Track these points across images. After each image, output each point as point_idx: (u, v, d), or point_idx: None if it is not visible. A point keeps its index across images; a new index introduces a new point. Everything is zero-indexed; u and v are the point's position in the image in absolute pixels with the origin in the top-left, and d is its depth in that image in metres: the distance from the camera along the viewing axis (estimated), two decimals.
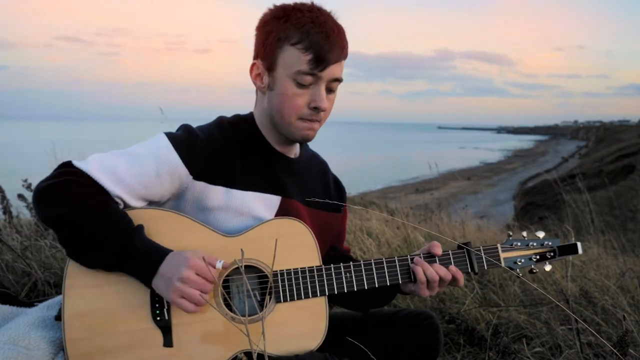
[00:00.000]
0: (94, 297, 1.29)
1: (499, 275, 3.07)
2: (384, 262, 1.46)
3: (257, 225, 1.40)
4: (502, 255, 1.55)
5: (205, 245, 1.34)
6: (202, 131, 1.42)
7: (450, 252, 1.51)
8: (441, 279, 1.44)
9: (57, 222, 1.25)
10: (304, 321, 1.39)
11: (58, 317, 1.35)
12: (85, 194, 1.25)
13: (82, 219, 1.24)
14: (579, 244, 1.58)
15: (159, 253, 1.27)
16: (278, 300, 1.38)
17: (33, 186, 3.18)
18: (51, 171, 1.31)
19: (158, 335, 1.31)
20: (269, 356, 1.33)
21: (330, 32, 1.35)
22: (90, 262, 1.28)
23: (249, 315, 1.35)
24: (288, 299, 1.38)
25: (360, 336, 1.47)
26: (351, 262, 1.45)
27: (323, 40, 1.33)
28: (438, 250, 1.48)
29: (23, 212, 3.42)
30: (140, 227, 1.29)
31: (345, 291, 1.43)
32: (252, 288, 1.40)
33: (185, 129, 1.42)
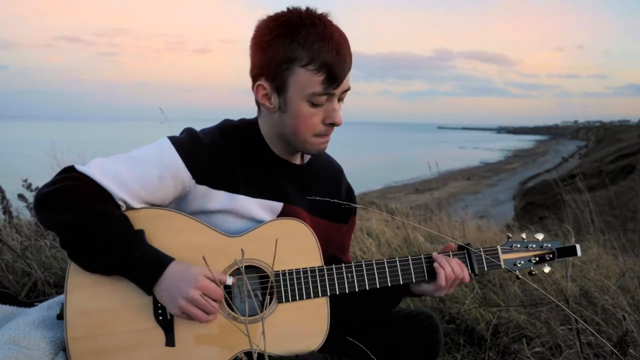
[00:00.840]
0: (96, 296, 1.29)
1: (499, 275, 3.07)
2: (385, 263, 1.46)
3: (259, 226, 1.40)
4: (502, 257, 1.55)
5: (205, 245, 1.34)
6: (205, 135, 1.41)
7: (450, 253, 1.51)
8: (456, 276, 1.46)
9: (61, 228, 1.25)
10: (306, 321, 1.39)
11: (60, 316, 1.35)
12: (88, 200, 1.25)
13: (85, 225, 1.24)
14: (577, 246, 1.58)
15: (160, 262, 1.27)
16: (280, 301, 1.38)
17: (33, 186, 3.18)
18: (52, 173, 1.31)
19: (160, 334, 1.31)
20: (270, 356, 1.33)
21: (339, 46, 1.30)
22: (91, 266, 1.28)
23: (251, 315, 1.35)
24: (290, 299, 1.38)
25: (361, 336, 1.47)
26: (352, 263, 1.45)
27: (334, 57, 1.29)
28: (452, 246, 1.52)
29: (23, 212, 3.42)
30: (141, 233, 1.29)
31: (347, 291, 1.43)
32: (253, 288, 1.40)
33: (189, 132, 1.41)
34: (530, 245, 1.58)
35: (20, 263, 2.58)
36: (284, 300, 1.38)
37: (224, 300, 1.33)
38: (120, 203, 1.30)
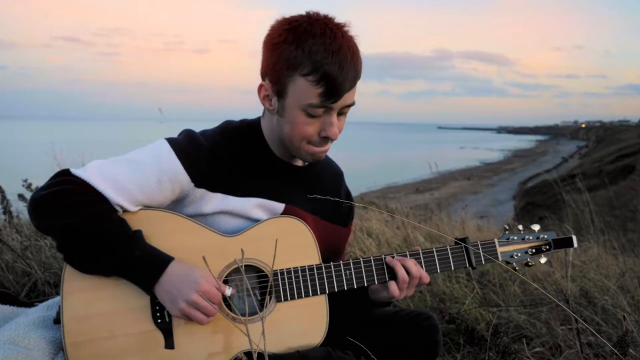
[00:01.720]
0: (93, 300, 1.28)
1: (499, 275, 3.07)
2: (383, 259, 1.46)
3: (256, 225, 1.39)
4: (499, 249, 1.56)
5: (203, 245, 1.34)
6: (205, 137, 1.40)
7: (448, 247, 1.51)
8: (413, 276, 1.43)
9: (56, 232, 1.25)
10: (305, 320, 1.39)
11: (57, 320, 1.34)
12: (84, 204, 1.24)
13: (81, 229, 1.23)
14: (574, 237, 1.59)
15: (160, 262, 1.27)
16: (278, 300, 1.38)
17: (33, 186, 3.18)
18: (52, 173, 1.30)
19: (159, 337, 1.30)
20: (270, 355, 1.33)
21: (344, 60, 1.26)
22: (89, 269, 1.28)
23: (250, 315, 1.34)
24: (288, 298, 1.38)
25: (361, 336, 1.47)
26: (351, 260, 1.45)
27: (336, 72, 1.25)
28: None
29: (23, 212, 3.42)
30: (139, 233, 1.29)
31: (346, 289, 1.43)
32: (252, 288, 1.40)
33: (187, 134, 1.40)
34: (527, 236, 1.59)
35: (20, 263, 2.58)
36: (282, 300, 1.38)
37: (222, 301, 1.33)
38: (117, 208, 1.30)
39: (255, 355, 1.17)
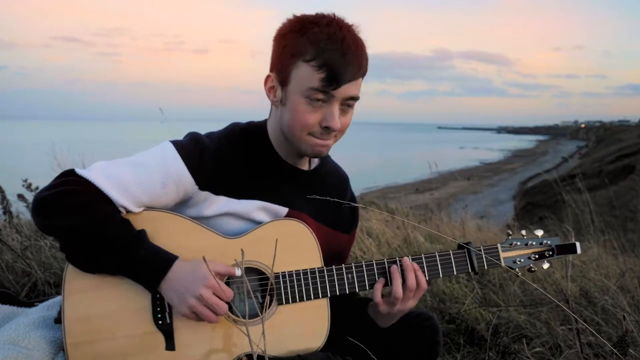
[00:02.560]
0: (95, 301, 1.28)
1: (499, 275, 3.07)
2: (385, 262, 1.46)
3: (258, 227, 1.39)
4: (502, 255, 1.55)
5: (205, 247, 1.34)
6: (211, 140, 1.40)
7: (450, 251, 1.51)
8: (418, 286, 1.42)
9: (60, 232, 1.25)
10: (306, 322, 1.39)
11: (58, 320, 1.34)
12: (89, 205, 1.24)
13: (85, 230, 1.23)
14: (577, 244, 1.58)
15: (165, 260, 1.27)
16: (280, 302, 1.37)
17: (33, 186, 3.18)
18: (52, 173, 1.30)
19: (160, 338, 1.30)
20: (271, 358, 1.32)
21: (347, 49, 1.28)
22: (93, 269, 1.28)
23: (251, 317, 1.34)
24: (290, 301, 1.38)
25: (361, 336, 1.47)
26: (353, 264, 1.44)
27: (338, 58, 1.27)
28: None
29: (23, 212, 3.42)
30: (144, 233, 1.29)
31: (347, 292, 1.42)
32: (253, 290, 1.39)
33: (193, 137, 1.40)
34: (530, 242, 1.58)
35: (20, 263, 2.58)
36: (284, 302, 1.38)
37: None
38: (121, 209, 1.30)
39: (255, 357, 1.17)
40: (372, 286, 1.44)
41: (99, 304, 1.28)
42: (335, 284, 1.41)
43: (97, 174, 1.27)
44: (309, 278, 1.40)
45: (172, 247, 1.31)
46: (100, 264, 1.26)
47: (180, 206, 1.39)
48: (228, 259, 1.35)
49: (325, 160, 1.60)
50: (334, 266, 1.42)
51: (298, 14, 1.36)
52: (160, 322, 1.30)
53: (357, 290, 1.44)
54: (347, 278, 1.42)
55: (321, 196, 1.50)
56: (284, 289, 1.38)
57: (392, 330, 1.52)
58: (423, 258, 1.48)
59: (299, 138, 1.36)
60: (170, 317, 1.31)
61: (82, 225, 1.22)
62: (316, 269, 1.41)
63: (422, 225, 4.70)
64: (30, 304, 1.51)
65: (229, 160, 1.39)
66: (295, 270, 1.39)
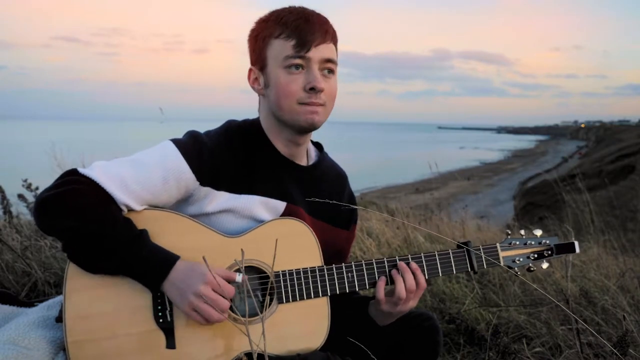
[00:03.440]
0: (96, 300, 1.28)
1: (499, 275, 3.07)
2: (385, 262, 1.46)
3: (258, 226, 1.39)
4: (501, 254, 1.55)
5: (205, 246, 1.34)
6: (209, 137, 1.41)
7: (450, 251, 1.51)
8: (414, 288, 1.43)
9: (62, 233, 1.25)
10: (306, 321, 1.39)
11: (59, 319, 1.35)
12: (91, 205, 1.24)
13: (88, 231, 1.23)
14: (576, 243, 1.59)
15: (167, 260, 1.27)
16: (280, 301, 1.38)
17: (33, 186, 3.18)
18: (52, 173, 1.30)
19: (161, 337, 1.30)
20: (270, 357, 1.32)
21: (310, 16, 1.39)
22: (95, 269, 1.28)
23: (251, 316, 1.34)
24: (290, 300, 1.38)
25: (361, 336, 1.47)
26: (353, 262, 1.45)
27: (303, 24, 1.37)
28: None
29: (23, 212, 3.42)
30: (145, 233, 1.29)
31: (347, 291, 1.43)
32: (253, 289, 1.39)
33: (192, 135, 1.41)
34: (529, 241, 1.59)
35: (20, 263, 2.58)
36: (284, 301, 1.38)
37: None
38: (123, 207, 1.30)
39: (255, 356, 1.17)
40: (372, 285, 1.45)
41: (100, 302, 1.28)
42: (335, 283, 1.41)
43: (99, 172, 1.27)
44: (309, 277, 1.40)
45: (173, 246, 1.31)
46: (102, 264, 1.26)
47: (181, 204, 1.39)
48: (228, 257, 1.35)
49: (324, 157, 1.61)
50: (334, 265, 1.43)
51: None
52: (161, 320, 1.30)
53: (357, 289, 1.44)
54: (347, 277, 1.43)
55: (319, 191, 1.52)
56: (284, 288, 1.38)
57: (393, 331, 1.52)
58: (422, 257, 1.49)
59: (290, 110, 1.39)
60: (171, 316, 1.31)
61: (84, 225, 1.22)
62: (316, 267, 1.41)
63: (422, 226, 4.70)
64: (30, 304, 1.51)
65: (228, 156, 1.40)
66: (296, 269, 1.39)
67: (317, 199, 1.48)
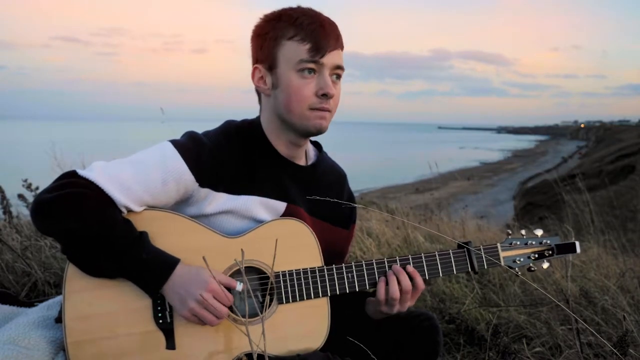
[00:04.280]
0: (95, 300, 1.28)
1: (499, 275, 3.07)
2: (385, 262, 1.46)
3: (258, 226, 1.39)
4: (502, 254, 1.55)
5: (205, 246, 1.34)
6: (208, 138, 1.41)
7: (450, 251, 1.51)
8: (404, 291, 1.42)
9: (62, 235, 1.24)
10: (306, 322, 1.39)
11: (58, 319, 1.35)
12: (91, 207, 1.23)
13: (87, 233, 1.22)
14: (577, 243, 1.59)
15: (168, 264, 1.27)
16: (280, 302, 1.38)
17: (33, 186, 3.18)
18: (52, 173, 1.30)
19: (160, 337, 1.30)
20: (271, 358, 1.32)
21: (324, 21, 1.38)
22: (96, 271, 1.27)
23: (251, 317, 1.34)
24: (290, 300, 1.38)
25: (361, 336, 1.47)
26: (353, 263, 1.44)
27: (318, 29, 1.36)
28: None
29: (23, 212, 3.42)
30: (145, 235, 1.29)
31: (347, 291, 1.43)
32: (253, 289, 1.39)
33: (190, 136, 1.41)
34: (529, 241, 1.58)
35: (20, 263, 2.58)
36: (284, 301, 1.38)
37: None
38: (123, 209, 1.29)
39: (255, 357, 1.17)
40: (372, 285, 1.45)
41: (100, 302, 1.28)
42: (335, 283, 1.41)
43: (98, 174, 1.27)
44: (309, 277, 1.40)
45: (173, 247, 1.31)
46: (102, 267, 1.26)
47: (180, 205, 1.39)
48: (228, 258, 1.35)
49: (323, 157, 1.61)
50: (334, 265, 1.43)
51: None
52: (160, 321, 1.30)
53: (357, 290, 1.44)
54: (347, 277, 1.43)
55: (319, 191, 1.51)
56: (284, 288, 1.38)
57: (393, 331, 1.52)
58: (423, 257, 1.48)
59: (300, 115, 1.39)
60: (171, 316, 1.31)
61: (83, 228, 1.22)
62: (316, 268, 1.41)
63: (422, 226, 4.70)
64: (30, 304, 1.51)
65: (227, 156, 1.39)
66: (296, 270, 1.39)
67: (317, 197, 1.48)
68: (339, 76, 1.43)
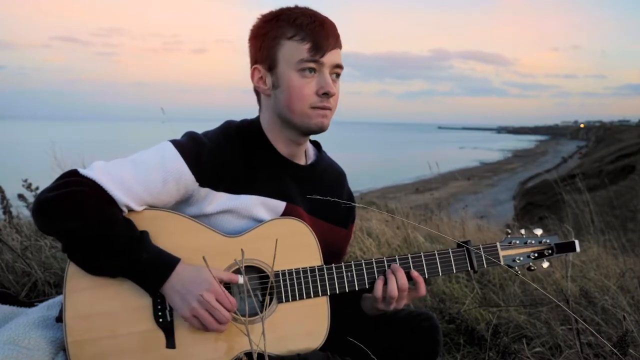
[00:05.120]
0: (95, 299, 1.28)
1: (499, 275, 3.07)
2: (385, 261, 1.46)
3: (258, 226, 1.40)
4: (501, 253, 1.55)
5: (205, 246, 1.34)
6: (208, 138, 1.41)
7: (450, 250, 1.51)
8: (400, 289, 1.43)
9: (63, 235, 1.24)
10: (306, 321, 1.39)
11: (59, 319, 1.35)
12: (92, 207, 1.23)
13: (91, 231, 1.22)
14: (576, 242, 1.59)
15: (168, 263, 1.27)
16: (280, 301, 1.38)
17: (33, 186, 3.18)
18: (52, 173, 1.30)
19: (160, 336, 1.31)
20: (270, 357, 1.33)
21: (323, 21, 1.40)
22: (96, 271, 1.27)
23: (251, 316, 1.34)
24: (290, 299, 1.38)
25: (361, 336, 1.47)
26: (352, 262, 1.45)
27: (318, 28, 1.37)
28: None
29: (23, 212, 3.42)
30: (146, 235, 1.29)
31: (347, 290, 1.43)
32: (253, 288, 1.40)
33: (190, 136, 1.41)
34: (529, 241, 1.59)
35: (20, 263, 2.58)
36: (284, 301, 1.38)
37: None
38: (124, 208, 1.29)
39: (255, 356, 1.17)
40: (371, 284, 1.45)
41: (100, 302, 1.28)
42: (335, 282, 1.42)
43: (99, 173, 1.27)
44: (309, 276, 1.40)
45: (173, 246, 1.31)
46: (102, 266, 1.26)
47: (181, 205, 1.39)
48: (228, 257, 1.35)
49: (322, 156, 1.61)
50: (333, 264, 1.43)
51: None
52: (160, 320, 1.30)
53: (356, 289, 1.44)
54: (347, 276, 1.43)
55: (318, 190, 1.52)
56: (283, 287, 1.38)
57: (392, 330, 1.52)
58: (422, 257, 1.49)
59: (302, 113, 1.39)
60: (171, 315, 1.31)
61: (84, 227, 1.22)
62: (316, 267, 1.41)
63: (422, 225, 4.70)
64: (30, 304, 1.51)
65: (227, 156, 1.40)
66: (295, 269, 1.39)
67: (317, 197, 1.48)
68: (338, 75, 1.44)
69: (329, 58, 1.39)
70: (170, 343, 1.30)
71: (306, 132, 1.44)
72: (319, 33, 1.37)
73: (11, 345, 1.27)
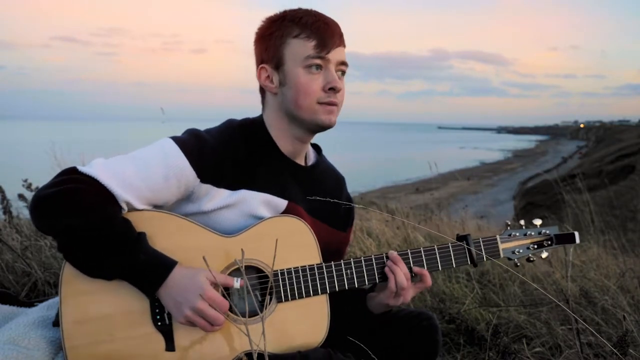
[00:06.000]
0: (92, 303, 1.27)
1: (499, 275, 3.07)
2: (384, 257, 1.46)
3: (256, 224, 1.39)
4: (501, 246, 1.56)
5: (203, 246, 1.34)
6: (210, 135, 1.41)
7: (449, 244, 1.51)
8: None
9: (59, 233, 1.23)
10: (306, 320, 1.39)
11: (56, 323, 1.34)
12: (92, 203, 1.22)
13: (88, 230, 1.21)
14: (576, 233, 1.59)
15: (165, 266, 1.26)
16: (279, 300, 1.38)
17: (33, 186, 3.18)
18: (52, 173, 1.27)
19: (159, 339, 1.30)
20: (271, 356, 1.32)
21: (327, 20, 1.43)
22: (93, 271, 1.26)
23: (251, 316, 1.34)
24: (289, 298, 1.38)
25: (361, 336, 1.47)
26: (352, 259, 1.45)
27: (323, 26, 1.40)
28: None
29: (23, 212, 3.42)
30: (144, 236, 1.28)
31: (347, 288, 1.43)
32: (252, 288, 1.39)
33: (192, 133, 1.41)
34: (529, 232, 1.59)
35: (20, 263, 2.58)
36: (283, 300, 1.38)
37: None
38: (124, 205, 1.28)
39: (255, 356, 1.17)
40: (371, 281, 1.45)
41: (97, 305, 1.27)
42: (334, 280, 1.41)
43: (99, 169, 1.26)
44: (308, 275, 1.40)
45: (171, 247, 1.30)
46: (98, 266, 1.25)
47: (182, 201, 1.39)
48: (227, 257, 1.35)
49: (322, 159, 1.62)
50: (332, 262, 1.43)
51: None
52: (159, 322, 1.30)
53: (356, 286, 1.44)
54: (347, 274, 1.43)
55: (318, 191, 1.52)
56: (283, 286, 1.38)
57: (392, 330, 1.52)
58: (422, 251, 1.49)
59: (309, 109, 1.41)
60: (170, 318, 1.31)
61: (83, 225, 1.21)
62: (315, 265, 1.41)
63: (422, 226, 4.69)
64: (30, 304, 1.51)
65: (228, 153, 1.40)
66: (294, 267, 1.39)
67: (317, 198, 1.48)
68: (343, 72, 1.47)
69: (334, 55, 1.41)
70: (170, 346, 1.30)
71: (314, 128, 1.45)
72: (324, 31, 1.40)
73: (11, 345, 1.27)
